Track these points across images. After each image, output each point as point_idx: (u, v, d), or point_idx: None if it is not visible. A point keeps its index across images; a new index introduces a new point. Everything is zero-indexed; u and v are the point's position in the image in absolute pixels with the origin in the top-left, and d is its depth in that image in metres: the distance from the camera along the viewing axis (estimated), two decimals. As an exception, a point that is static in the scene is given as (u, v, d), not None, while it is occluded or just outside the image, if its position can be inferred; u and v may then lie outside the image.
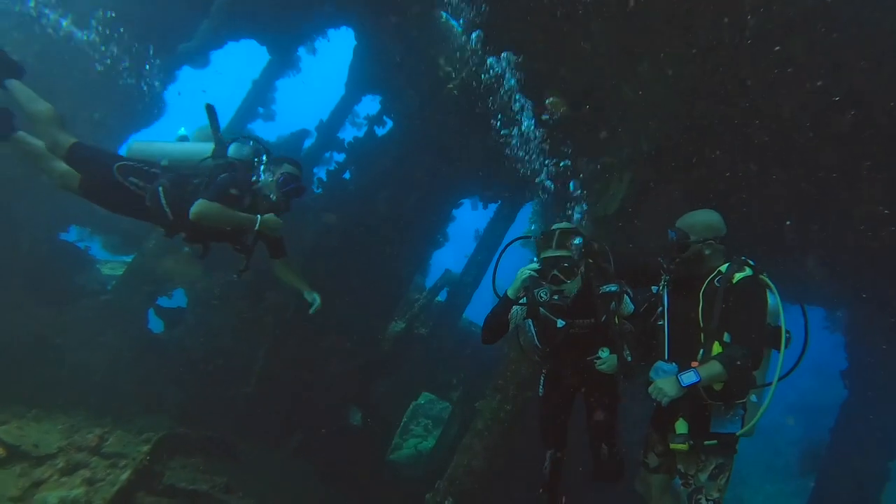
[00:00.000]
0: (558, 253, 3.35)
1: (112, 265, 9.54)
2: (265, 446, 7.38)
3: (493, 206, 10.90)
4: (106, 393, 7.02)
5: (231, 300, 8.07)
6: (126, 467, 5.62)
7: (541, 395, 3.72)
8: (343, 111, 9.64)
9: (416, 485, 8.76)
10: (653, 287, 3.56)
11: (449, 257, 12.51)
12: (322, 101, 11.20)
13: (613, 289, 3.42)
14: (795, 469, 13.11)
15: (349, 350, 8.59)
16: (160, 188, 3.83)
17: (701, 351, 3.12)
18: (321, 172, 9.19)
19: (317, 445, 7.84)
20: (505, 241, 11.61)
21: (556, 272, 3.32)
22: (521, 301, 3.45)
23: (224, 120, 9.74)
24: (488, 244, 11.02)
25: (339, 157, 9.24)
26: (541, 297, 3.35)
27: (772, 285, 3.16)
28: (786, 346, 3.08)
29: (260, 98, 9.68)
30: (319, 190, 8.96)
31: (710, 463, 3.22)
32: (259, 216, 3.82)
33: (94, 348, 7.30)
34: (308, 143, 9.55)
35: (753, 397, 3.18)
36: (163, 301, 8.40)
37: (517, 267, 3.53)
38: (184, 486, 5.51)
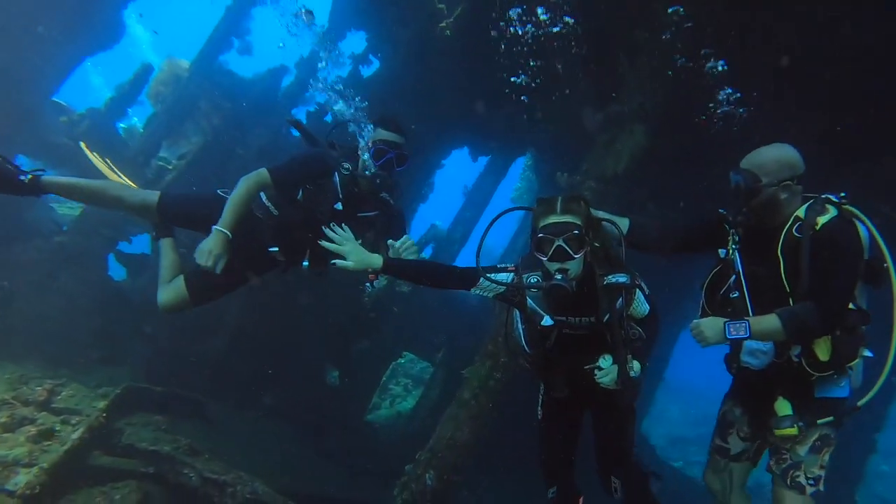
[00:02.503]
0: (565, 218, 2.53)
1: (69, 204, 8.83)
2: (236, 405, 6.97)
3: (483, 161, 10.37)
4: (61, 343, 6.50)
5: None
6: (79, 425, 5.14)
7: (538, 418, 3.11)
8: (326, 47, 8.84)
9: (394, 447, 8.53)
10: (719, 251, 2.85)
11: (435, 213, 12.01)
12: (303, 35, 10.30)
13: (622, 280, 2.61)
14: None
15: (327, 306, 8.14)
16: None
17: None
18: (301, 113, 8.49)
19: (291, 405, 7.45)
20: (495, 202, 11.19)
21: (561, 242, 2.50)
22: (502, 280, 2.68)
23: (192, 51, 8.96)
24: (476, 200, 10.53)
25: (321, 97, 8.51)
26: (530, 282, 2.62)
27: (863, 217, 2.59)
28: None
29: (233, 27, 8.82)
30: (298, 133, 8.28)
31: (811, 434, 2.71)
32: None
33: (47, 293, 6.72)
34: (287, 80, 8.79)
35: (868, 351, 2.64)
36: (123, 246, 7.80)
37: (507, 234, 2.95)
38: (144, 447, 5.07)
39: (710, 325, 2.58)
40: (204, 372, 7.19)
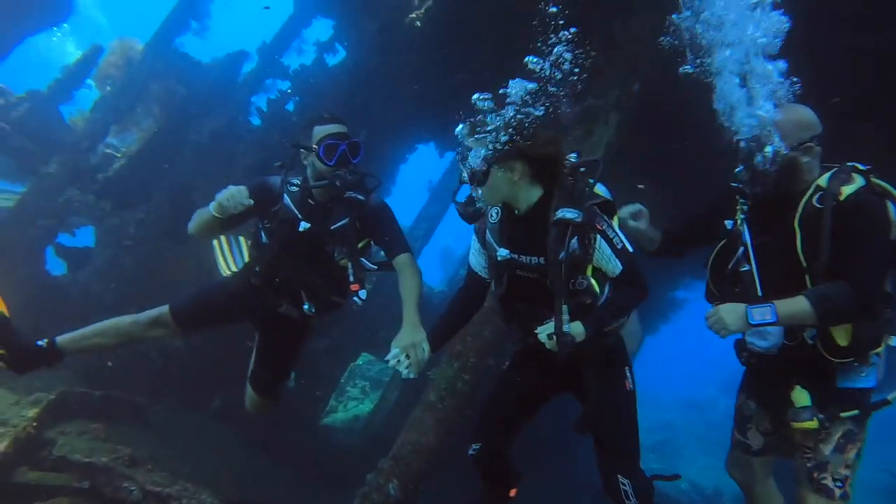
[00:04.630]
0: (468, 141, 2.37)
1: (5, 195, 8.18)
2: (182, 409, 6.51)
3: (449, 156, 10.16)
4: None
5: (149, 240, 7.01)
6: (3, 437, 4.63)
7: (503, 368, 2.91)
8: (289, 34, 8.47)
9: (351, 452, 8.20)
10: (726, 222, 2.59)
11: (397, 208, 11.69)
12: (266, 21, 9.90)
13: (570, 215, 2.26)
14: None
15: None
16: None
17: None
18: (261, 101, 8.08)
19: (242, 407, 7.02)
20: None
21: (467, 169, 2.38)
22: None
23: (147, 32, 8.44)
24: (442, 196, 10.31)
25: (283, 84, 8.15)
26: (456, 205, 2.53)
27: (893, 191, 2.37)
28: None
29: (192, 8, 8.33)
30: (258, 121, 7.88)
31: (835, 430, 2.47)
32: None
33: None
34: (247, 67, 8.37)
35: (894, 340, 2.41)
36: (65, 239, 7.24)
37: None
38: (78, 459, 4.60)
39: (731, 311, 2.30)
40: (147, 372, 6.71)
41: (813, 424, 2.42)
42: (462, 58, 7.16)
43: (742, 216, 2.53)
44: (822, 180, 2.39)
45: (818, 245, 2.30)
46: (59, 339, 3.11)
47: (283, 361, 3.51)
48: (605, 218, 2.34)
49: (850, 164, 2.43)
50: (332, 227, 3.06)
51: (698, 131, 3.04)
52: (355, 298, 3.06)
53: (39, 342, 3.07)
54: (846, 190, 2.31)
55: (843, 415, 2.44)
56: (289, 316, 3.25)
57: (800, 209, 2.39)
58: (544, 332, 2.30)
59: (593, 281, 2.33)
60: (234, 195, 2.80)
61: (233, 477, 5.85)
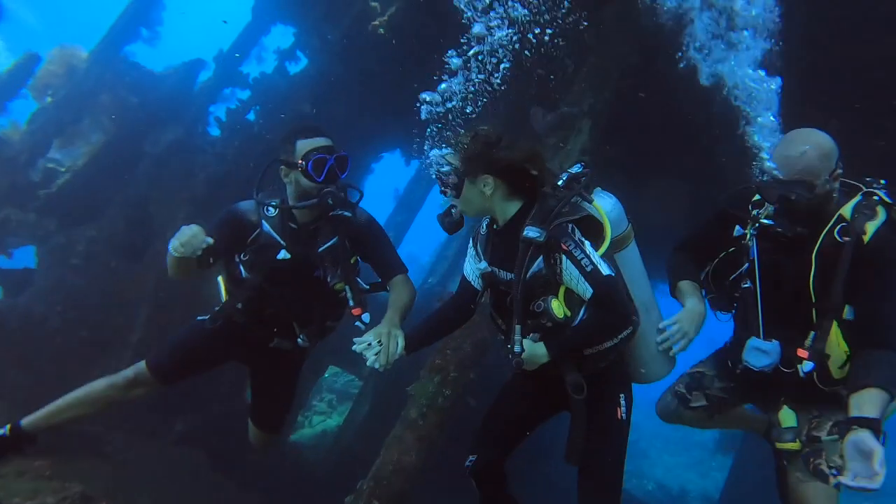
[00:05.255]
0: (445, 153, 2.38)
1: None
2: (141, 436, 6.13)
3: (415, 164, 10.08)
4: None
5: (99, 257, 6.60)
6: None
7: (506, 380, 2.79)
8: (248, 41, 8.22)
9: (320, 468, 7.92)
10: (736, 227, 2.53)
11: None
12: (222, 28, 9.59)
13: (532, 234, 2.20)
14: (710, 445, 13.76)
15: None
16: None
17: (812, 333, 2.33)
18: (219, 111, 7.79)
19: (206, 431, 6.69)
20: (427, 207, 10.90)
21: (440, 180, 2.39)
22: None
23: (92, 40, 8.01)
24: (408, 204, 10.20)
25: (243, 94, 7.88)
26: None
27: None
28: None
29: (142, 15, 7.97)
30: (217, 131, 7.59)
31: (826, 418, 2.44)
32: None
33: None
34: (204, 76, 8.05)
35: None
36: (0, 261, 6.75)
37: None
38: (18, 503, 4.19)
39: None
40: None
41: (795, 446, 2.45)
42: (427, 65, 7.12)
43: (752, 231, 2.45)
44: (846, 210, 2.31)
45: (832, 283, 2.24)
46: (26, 421, 2.87)
47: (283, 397, 3.33)
48: (575, 237, 2.21)
49: (870, 188, 2.33)
50: (319, 250, 2.85)
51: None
52: (358, 323, 2.86)
53: (1, 431, 2.83)
54: (871, 227, 2.23)
55: (833, 409, 2.42)
56: (281, 349, 3.04)
57: (820, 240, 2.31)
58: (525, 350, 2.27)
59: (555, 304, 2.23)
60: (190, 240, 2.47)
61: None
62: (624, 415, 2.42)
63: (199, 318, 3.04)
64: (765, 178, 2.40)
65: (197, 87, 8.02)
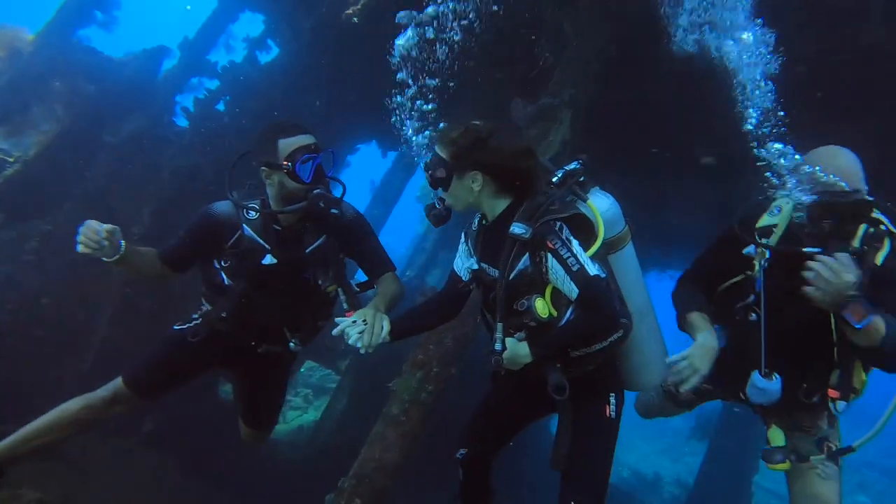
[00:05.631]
0: (436, 147, 2.32)
1: None
2: (106, 438, 5.89)
3: (392, 156, 9.92)
4: None
5: (56, 253, 6.29)
6: None
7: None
8: (215, 29, 7.94)
9: (298, 464, 7.77)
10: (746, 248, 2.39)
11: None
12: (186, 14, 9.24)
13: (518, 231, 2.14)
14: (684, 431, 14.01)
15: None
16: None
17: (836, 373, 2.26)
18: (186, 100, 7.51)
19: (176, 430, 6.47)
20: (404, 200, 10.71)
21: (428, 173, 2.33)
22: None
23: (38, 22, 7.58)
24: (385, 197, 10.06)
25: (211, 83, 7.61)
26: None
27: None
28: None
29: (95, -3, 7.57)
30: (185, 122, 7.30)
31: (819, 414, 2.46)
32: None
33: None
34: (168, 64, 7.75)
35: None
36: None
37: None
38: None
39: None
40: (64, 400, 6.02)
41: (785, 466, 2.44)
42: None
43: (764, 262, 2.33)
44: (857, 239, 2.21)
45: None
46: None
47: (273, 397, 3.18)
48: (562, 235, 2.12)
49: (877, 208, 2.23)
50: (307, 252, 2.67)
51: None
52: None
53: None
54: (881, 256, 2.18)
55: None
56: (270, 354, 2.86)
57: None
58: (506, 350, 2.20)
59: (539, 304, 2.16)
60: (88, 237, 2.31)
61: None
62: (613, 413, 2.35)
63: (175, 327, 2.84)
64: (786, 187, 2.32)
65: (161, 76, 7.71)
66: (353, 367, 8.75)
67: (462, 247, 2.53)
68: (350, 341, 2.17)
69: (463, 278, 2.51)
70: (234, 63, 7.73)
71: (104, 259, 2.39)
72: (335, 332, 2.21)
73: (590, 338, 2.16)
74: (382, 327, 2.27)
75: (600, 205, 2.32)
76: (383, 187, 9.89)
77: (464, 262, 2.50)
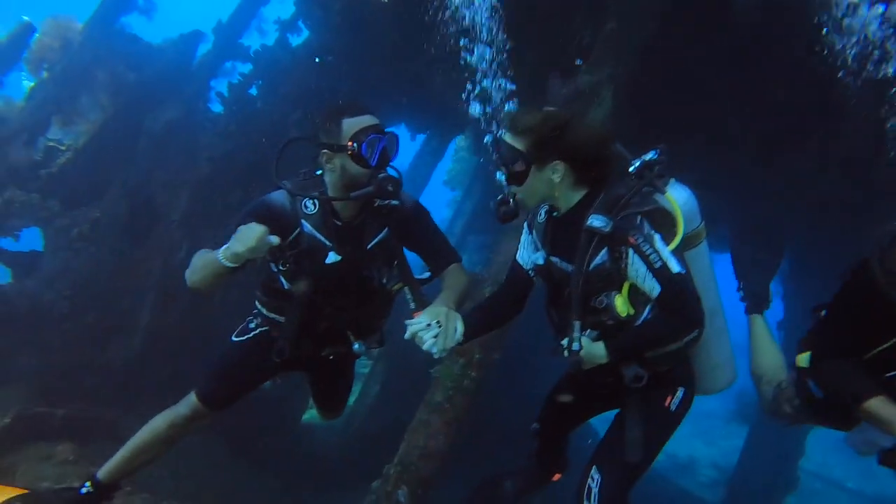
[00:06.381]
0: (506, 137, 2.15)
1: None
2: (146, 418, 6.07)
3: (420, 139, 9.84)
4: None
5: (104, 240, 6.45)
6: (-46, 468, 4.16)
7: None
8: (247, 12, 7.92)
9: (334, 451, 7.91)
10: None
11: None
12: (219, -1, 9.24)
13: (597, 224, 2.04)
14: (720, 413, 13.86)
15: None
16: None
17: None
18: (221, 85, 7.53)
19: (222, 414, 6.63)
20: (433, 184, 10.59)
21: (503, 168, 2.16)
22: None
23: (86, 11, 7.69)
24: (414, 180, 10.00)
25: (244, 67, 7.61)
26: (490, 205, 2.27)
27: None
28: None
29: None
30: (219, 107, 7.34)
31: None
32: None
33: None
34: (203, 48, 7.76)
35: None
36: (7, 243, 6.59)
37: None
38: (47, 487, 4.17)
39: None
40: (114, 382, 6.23)
41: None
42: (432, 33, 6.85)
43: None
44: None
45: None
46: (102, 474, 2.64)
47: (342, 387, 3.11)
48: (644, 230, 2.03)
49: None
50: (368, 247, 2.48)
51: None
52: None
53: (82, 490, 2.63)
54: None
55: None
56: (335, 355, 2.76)
57: None
58: (565, 345, 2.13)
59: (619, 301, 2.08)
60: (258, 242, 2.09)
61: (218, 490, 5.51)
62: (674, 406, 2.28)
63: (234, 338, 2.73)
64: None
65: (196, 61, 7.74)
66: (385, 354, 8.82)
67: (526, 238, 2.42)
68: (425, 347, 2.01)
69: (528, 271, 2.40)
70: (266, 47, 7.70)
71: (229, 265, 2.17)
72: (407, 335, 2.05)
73: (669, 339, 2.10)
74: (456, 329, 2.10)
75: (679, 198, 2.20)
76: (411, 170, 9.82)
77: (529, 255, 2.39)
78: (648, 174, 2.16)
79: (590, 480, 2.22)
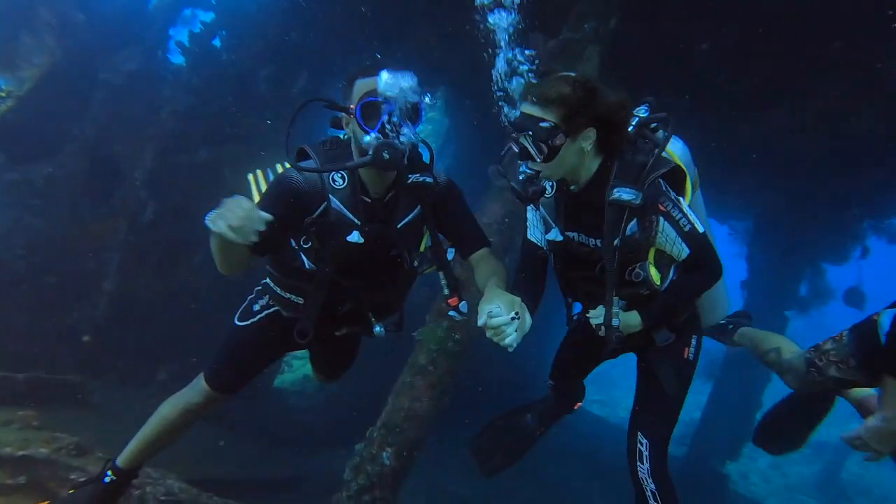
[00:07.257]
0: (532, 110, 1.95)
1: None
2: (123, 385, 5.90)
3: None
4: None
5: (64, 198, 6.09)
6: None
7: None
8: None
9: (306, 414, 7.89)
10: None
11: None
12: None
13: (627, 196, 1.96)
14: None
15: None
16: None
17: None
18: (181, 34, 7.04)
19: (191, 378, 6.49)
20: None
21: (523, 140, 1.96)
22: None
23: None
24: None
25: (206, 16, 7.14)
26: (514, 186, 2.10)
27: None
28: None
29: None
30: (181, 59, 6.89)
31: None
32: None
33: None
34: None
35: None
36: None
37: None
38: (9, 453, 4.01)
39: None
40: (78, 347, 6.00)
41: None
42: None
43: None
44: None
45: None
46: (121, 460, 2.59)
47: (346, 358, 2.96)
48: (670, 195, 2.01)
49: None
50: (399, 226, 2.28)
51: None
52: (453, 313, 2.35)
53: (105, 478, 2.58)
54: None
55: None
56: (350, 334, 2.60)
57: None
58: (595, 318, 2.15)
59: (653, 271, 2.08)
60: (243, 223, 1.76)
61: (193, 454, 5.40)
62: (692, 355, 2.35)
63: (237, 321, 2.54)
64: None
65: (152, 5, 7.23)
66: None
67: (534, 216, 2.30)
68: (507, 341, 1.74)
69: (541, 245, 2.30)
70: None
71: (239, 241, 1.81)
72: (489, 334, 1.77)
73: (697, 296, 2.18)
74: (526, 319, 1.87)
75: (676, 150, 2.17)
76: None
77: (542, 233, 2.29)
78: (650, 134, 2.11)
79: (639, 445, 2.30)
